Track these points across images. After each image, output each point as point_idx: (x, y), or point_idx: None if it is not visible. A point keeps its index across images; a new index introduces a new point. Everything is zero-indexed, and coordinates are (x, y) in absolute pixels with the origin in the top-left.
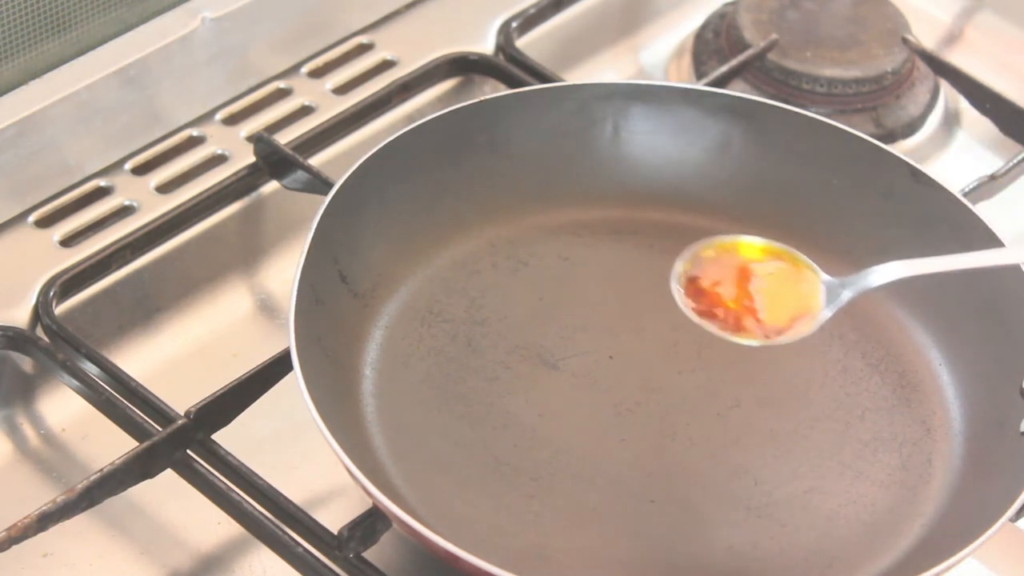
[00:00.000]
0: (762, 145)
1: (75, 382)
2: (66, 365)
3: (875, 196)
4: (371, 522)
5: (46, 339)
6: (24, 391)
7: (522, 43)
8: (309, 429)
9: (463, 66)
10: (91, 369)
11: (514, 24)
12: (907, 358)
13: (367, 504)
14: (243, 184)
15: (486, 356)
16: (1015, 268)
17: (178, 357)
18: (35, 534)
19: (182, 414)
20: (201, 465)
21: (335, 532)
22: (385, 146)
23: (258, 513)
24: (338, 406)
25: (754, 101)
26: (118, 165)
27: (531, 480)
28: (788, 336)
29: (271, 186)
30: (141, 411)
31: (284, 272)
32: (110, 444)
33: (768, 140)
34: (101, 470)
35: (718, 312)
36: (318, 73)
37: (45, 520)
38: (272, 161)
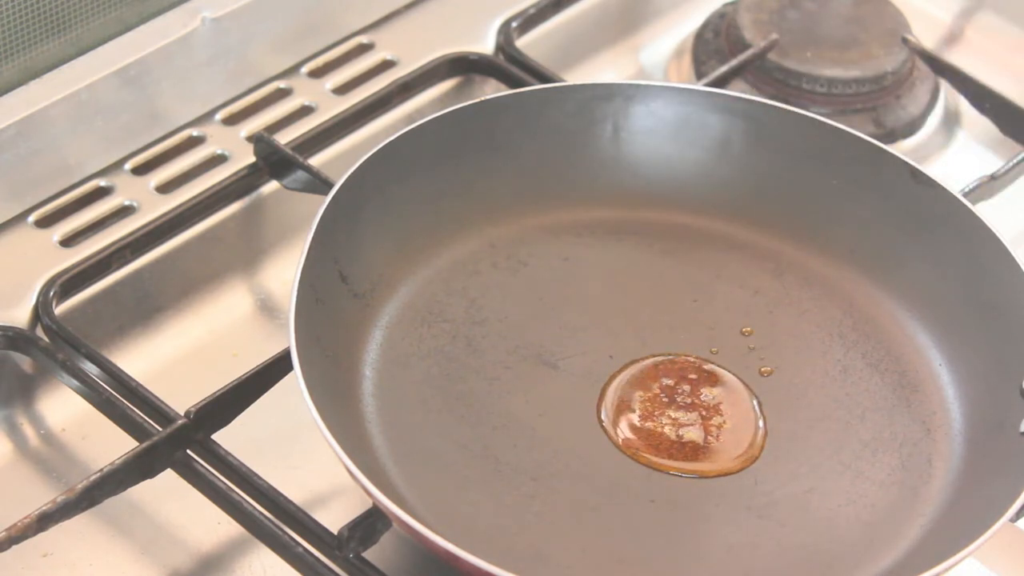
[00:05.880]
0: (762, 145)
1: (75, 382)
2: (66, 365)
3: (875, 196)
4: (371, 522)
5: (46, 339)
6: (24, 391)
7: (522, 43)
8: (309, 429)
9: (463, 66)
10: (91, 369)
11: (514, 24)
12: (907, 358)
13: (367, 504)
14: (243, 184)
15: (486, 356)
16: (1015, 268)
17: (178, 357)
18: (35, 534)
19: (182, 414)
20: (201, 465)
21: (335, 532)
22: (385, 146)
23: (258, 513)
24: (338, 406)
25: (754, 101)
26: (118, 165)
27: (531, 480)
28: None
29: (271, 186)
30: (141, 411)
31: (284, 272)
32: (110, 444)
33: (768, 140)
34: (101, 470)
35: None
36: (318, 73)
37: (45, 520)
38: (272, 161)
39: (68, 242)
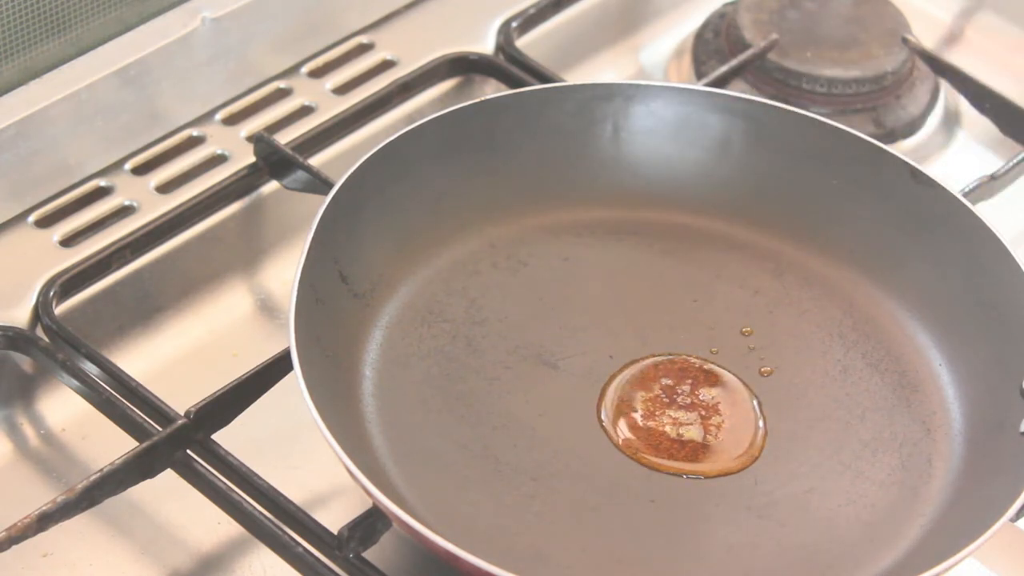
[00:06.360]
0: (762, 145)
1: (75, 382)
2: (66, 365)
3: (875, 196)
4: (371, 522)
5: (46, 339)
6: (24, 391)
7: (522, 43)
8: (309, 429)
9: (463, 66)
10: (91, 369)
11: (514, 24)
12: (907, 358)
13: (367, 504)
14: (243, 184)
15: (486, 356)
16: (1015, 268)
17: (178, 357)
18: (35, 534)
19: (182, 414)
20: (201, 465)
21: (335, 532)
22: (385, 146)
23: (258, 513)
24: (338, 406)
25: (754, 101)
26: (118, 165)
27: (531, 480)
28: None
29: (271, 186)
30: (141, 411)
31: (284, 272)
32: (110, 444)
33: (768, 140)
34: (101, 470)
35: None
36: (318, 73)
37: (45, 520)
38: (272, 161)
39: (68, 242)
